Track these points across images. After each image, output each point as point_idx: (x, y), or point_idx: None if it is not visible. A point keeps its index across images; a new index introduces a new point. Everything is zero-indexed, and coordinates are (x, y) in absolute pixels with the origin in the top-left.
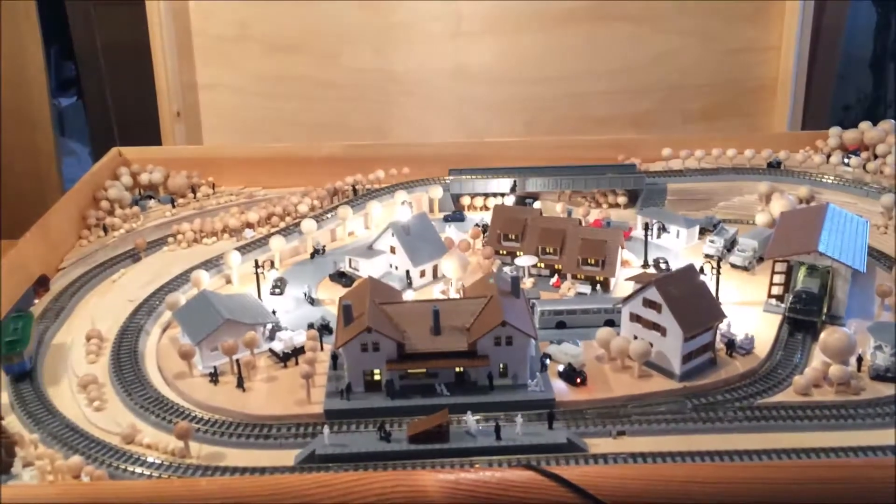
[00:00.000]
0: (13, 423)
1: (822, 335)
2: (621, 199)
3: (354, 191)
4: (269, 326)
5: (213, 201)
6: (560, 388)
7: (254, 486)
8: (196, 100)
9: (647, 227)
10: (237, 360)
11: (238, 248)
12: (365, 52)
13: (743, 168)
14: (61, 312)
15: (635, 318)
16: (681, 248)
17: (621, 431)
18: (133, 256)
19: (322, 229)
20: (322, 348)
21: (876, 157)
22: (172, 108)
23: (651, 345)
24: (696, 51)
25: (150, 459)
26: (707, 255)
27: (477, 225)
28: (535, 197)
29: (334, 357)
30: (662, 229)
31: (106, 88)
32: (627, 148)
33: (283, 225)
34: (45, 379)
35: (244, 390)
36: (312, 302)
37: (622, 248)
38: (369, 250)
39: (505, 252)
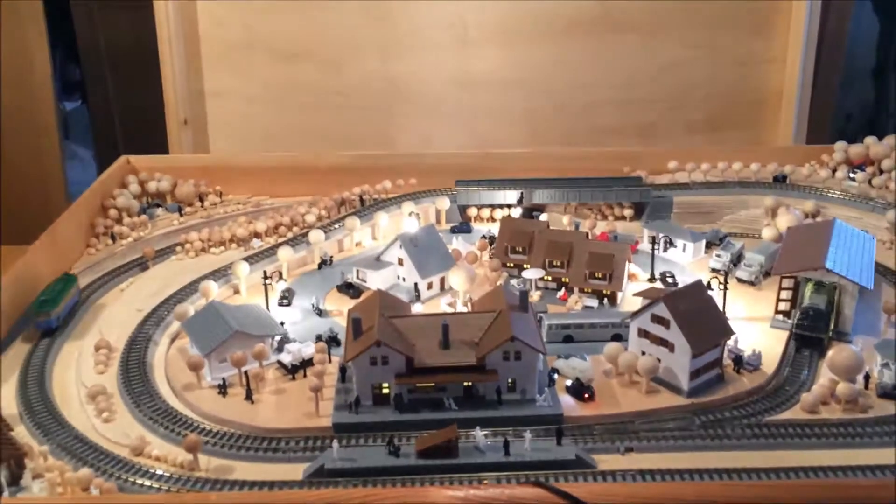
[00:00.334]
0: (22, 433)
1: (830, 353)
2: (627, 212)
3: (362, 201)
4: (278, 338)
5: (221, 210)
6: (568, 403)
7: (263, 501)
8: (203, 107)
9: (653, 241)
10: (246, 372)
11: (246, 259)
12: (372, 60)
13: (749, 181)
14: (69, 322)
15: (643, 333)
16: (687, 262)
17: (629, 448)
18: (141, 265)
19: (330, 240)
20: (330, 360)
21: (881, 172)
22: (180, 115)
23: (659, 360)
24: (702, 62)
25: (159, 472)
26: (713, 270)
27: (484, 237)
28: (541, 209)
29: (343, 370)
30: (669, 243)
31: (111, 92)
32: (633, 160)
33: (290, 235)
34: (54, 389)
35: (253, 402)
36: (320, 313)
37: (629, 261)
38: (377, 261)
39: (512, 265)
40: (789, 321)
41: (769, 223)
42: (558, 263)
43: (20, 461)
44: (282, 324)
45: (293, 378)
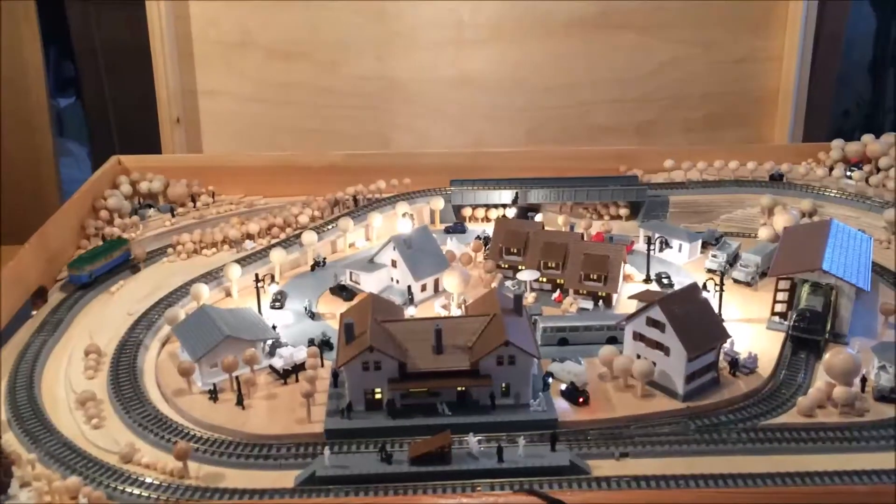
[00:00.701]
0: (11, 441)
1: (827, 356)
2: (623, 211)
3: (355, 201)
4: (270, 342)
5: (213, 210)
6: (562, 408)
7: None
8: (196, 106)
9: (649, 241)
10: (237, 378)
11: (238, 261)
12: (367, 59)
13: (745, 180)
14: (59, 325)
15: (639, 336)
16: (683, 262)
17: (624, 453)
18: (132, 267)
19: (323, 241)
20: (322, 365)
21: (878, 170)
22: (172, 114)
23: (654, 364)
24: (698, 60)
25: (148, 480)
26: (709, 270)
27: (478, 237)
28: (536, 209)
29: (335, 375)
30: (665, 244)
31: (105, 89)
32: (630, 159)
33: (283, 236)
34: (43, 395)
35: (244, 408)
36: (313, 316)
37: (624, 262)
38: (370, 264)
39: (507, 266)
40: (786, 323)
41: (766, 222)
42: (553, 265)
43: (8, 470)
44: (274, 327)
45: (285, 383)
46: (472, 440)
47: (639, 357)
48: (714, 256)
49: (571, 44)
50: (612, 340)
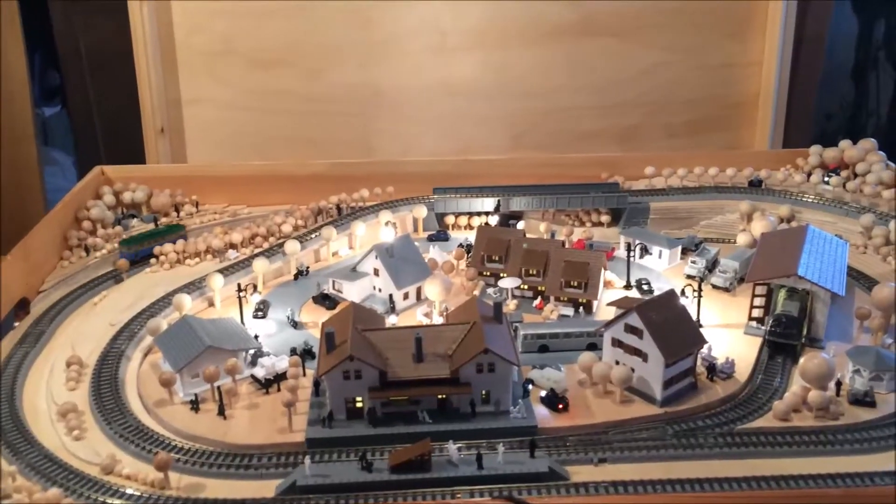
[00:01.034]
0: None
1: (802, 360)
2: (604, 218)
3: (339, 210)
4: (252, 351)
5: (197, 220)
6: (542, 414)
7: None
8: (180, 115)
9: (629, 248)
10: (219, 388)
11: (221, 271)
12: (350, 67)
13: (725, 186)
14: (41, 337)
15: (617, 343)
16: (663, 268)
17: (602, 459)
18: (115, 278)
19: (306, 250)
20: (304, 374)
21: (856, 175)
22: (156, 124)
23: (633, 370)
24: (679, 66)
25: (129, 491)
26: (689, 276)
27: (461, 245)
28: (519, 216)
29: (316, 384)
30: (645, 250)
31: (91, 97)
32: (611, 166)
33: (266, 245)
34: (24, 407)
35: (225, 418)
36: (295, 325)
37: (605, 269)
38: (353, 272)
39: (489, 273)
40: (763, 328)
41: (744, 228)
42: (534, 272)
43: None
44: (256, 337)
45: (267, 392)
46: (452, 447)
47: (617, 363)
48: (693, 262)
49: (553, 50)
50: (593, 347)
